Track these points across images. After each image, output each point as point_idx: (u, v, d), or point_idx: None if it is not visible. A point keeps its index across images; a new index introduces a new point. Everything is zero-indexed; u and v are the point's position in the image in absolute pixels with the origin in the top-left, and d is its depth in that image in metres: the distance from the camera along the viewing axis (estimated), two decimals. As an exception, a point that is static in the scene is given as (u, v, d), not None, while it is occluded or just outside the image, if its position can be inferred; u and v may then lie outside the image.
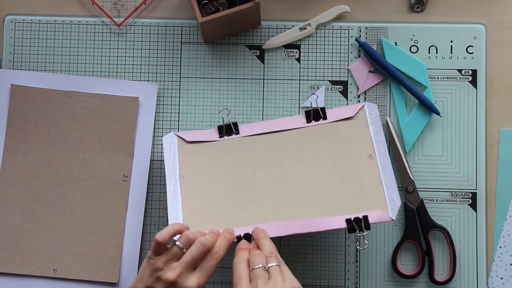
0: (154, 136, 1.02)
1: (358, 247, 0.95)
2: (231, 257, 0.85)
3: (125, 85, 1.02)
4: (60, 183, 1.00)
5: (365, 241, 0.92)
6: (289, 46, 1.03)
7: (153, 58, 1.03)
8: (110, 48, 1.04)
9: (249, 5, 0.96)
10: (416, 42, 1.03)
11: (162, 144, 0.98)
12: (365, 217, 0.89)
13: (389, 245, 1.00)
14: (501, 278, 1.00)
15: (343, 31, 1.03)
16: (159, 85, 1.03)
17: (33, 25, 1.04)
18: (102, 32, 1.04)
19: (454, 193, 1.01)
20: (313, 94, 1.01)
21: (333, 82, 1.03)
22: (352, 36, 1.03)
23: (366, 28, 1.03)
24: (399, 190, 0.98)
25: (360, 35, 1.03)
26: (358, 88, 1.02)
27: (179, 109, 1.03)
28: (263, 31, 1.03)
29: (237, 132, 0.97)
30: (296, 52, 1.03)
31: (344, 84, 1.03)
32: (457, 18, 1.04)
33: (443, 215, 1.00)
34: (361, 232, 0.89)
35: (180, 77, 1.03)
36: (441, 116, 1.02)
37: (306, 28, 1.03)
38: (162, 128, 1.02)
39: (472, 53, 1.02)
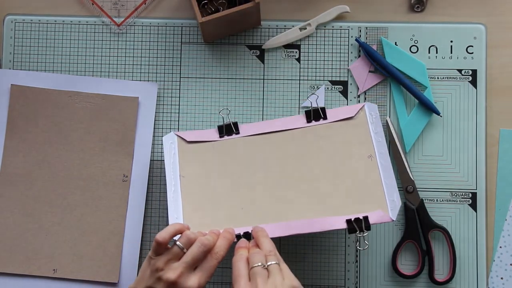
0: (154, 136, 1.02)
1: (358, 247, 0.95)
2: (231, 257, 0.85)
3: (125, 85, 1.02)
4: (60, 183, 1.00)
5: (365, 241, 0.92)
6: (289, 46, 1.03)
7: (153, 58, 1.03)
8: (110, 48, 1.04)
9: (249, 5, 0.96)
10: (416, 42, 1.03)
11: (162, 144, 0.98)
12: (365, 218, 0.89)
13: (389, 245, 1.00)
14: (501, 278, 1.00)
15: (343, 31, 1.03)
16: (159, 85, 1.03)
17: (33, 25, 1.04)
18: (102, 32, 1.04)
19: (454, 193, 1.01)
20: (313, 94, 1.01)
21: (333, 82, 1.03)
22: (352, 36, 1.03)
23: (366, 28, 1.03)
24: (399, 190, 0.98)
25: (360, 35, 1.03)
26: (358, 88, 1.02)
27: (179, 109, 1.03)
28: (263, 31, 1.03)
29: (237, 132, 0.97)
30: (296, 52, 1.03)
31: (344, 84, 1.03)
32: (457, 18, 1.04)
33: (443, 215, 1.00)
34: (361, 233, 0.89)
35: (180, 77, 1.03)
36: (441, 116, 1.02)
37: (306, 28, 1.03)
38: (162, 128, 1.02)
39: (472, 53, 1.02)
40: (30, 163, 1.00)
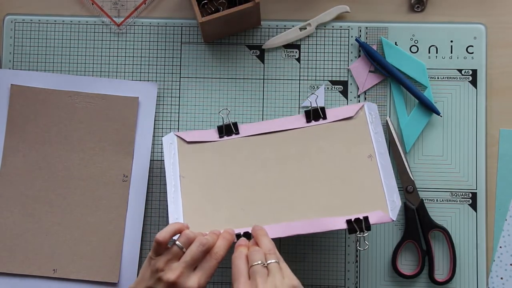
0: (154, 136, 1.02)
1: (358, 247, 0.94)
2: (231, 256, 0.85)
3: (125, 85, 1.02)
4: (60, 183, 1.00)
5: (366, 241, 0.92)
6: (289, 46, 1.03)
7: (153, 58, 1.03)
8: (110, 48, 1.04)
9: (249, 5, 0.96)
10: (416, 42, 1.03)
11: (162, 145, 0.98)
12: (366, 218, 0.89)
13: (389, 245, 1.00)
14: (501, 278, 1.00)
15: (343, 31, 1.03)
16: (159, 85, 1.03)
17: (33, 25, 1.04)
18: (102, 32, 1.04)
19: (454, 193, 1.01)
20: (312, 94, 1.01)
21: (333, 82, 1.03)
22: (352, 36, 1.03)
23: (366, 28, 1.03)
24: (399, 190, 0.98)
25: (360, 35, 1.03)
26: (358, 88, 1.02)
27: (179, 109, 1.03)
28: (263, 31, 1.03)
29: (237, 132, 0.97)
30: (296, 52, 1.03)
31: (344, 84, 1.03)
32: (457, 18, 1.04)
33: (443, 215, 1.00)
34: (361, 233, 0.89)
35: (180, 77, 1.03)
36: (441, 116, 1.02)
37: (306, 28, 1.03)
38: (162, 128, 1.02)
39: (472, 53, 1.02)
40: (30, 163, 1.00)
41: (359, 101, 1.02)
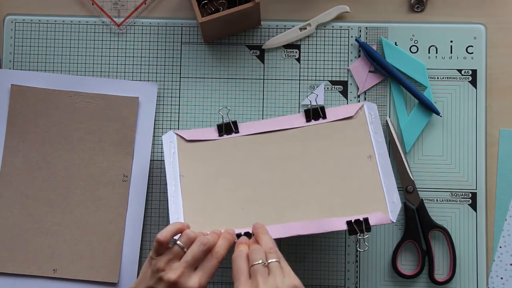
0: (154, 136, 1.02)
1: (358, 248, 0.94)
2: (231, 256, 0.85)
3: (125, 85, 1.02)
4: (60, 183, 1.00)
5: (366, 243, 0.92)
6: (289, 46, 1.03)
7: (153, 58, 1.03)
8: (110, 48, 1.04)
9: (249, 5, 0.96)
10: (416, 42, 1.03)
11: (162, 144, 0.98)
12: (366, 219, 0.89)
13: (389, 245, 1.00)
14: (501, 278, 1.00)
15: (343, 31, 1.03)
16: (159, 85, 1.03)
17: (33, 25, 1.04)
18: (102, 32, 1.04)
19: (454, 193, 1.01)
20: (312, 93, 1.01)
21: (333, 82, 1.03)
22: (352, 36, 1.03)
23: (366, 28, 1.03)
24: (399, 190, 0.98)
25: (360, 35, 1.03)
26: (358, 88, 1.02)
27: (179, 109, 1.03)
28: (263, 31, 1.03)
29: (237, 131, 0.97)
30: (296, 52, 1.03)
31: (344, 84, 1.03)
32: (457, 18, 1.04)
33: (443, 215, 1.00)
34: (362, 235, 0.89)
35: (180, 77, 1.03)
36: (441, 116, 1.02)
37: (306, 28, 1.03)
38: (162, 128, 1.02)
39: (472, 53, 1.02)
40: (30, 163, 1.00)
41: (359, 101, 1.02)
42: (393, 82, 1.02)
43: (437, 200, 1.01)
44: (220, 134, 0.97)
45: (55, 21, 1.04)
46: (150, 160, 1.01)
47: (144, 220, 1.00)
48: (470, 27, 1.03)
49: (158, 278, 0.83)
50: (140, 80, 1.03)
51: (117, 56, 1.03)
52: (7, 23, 1.04)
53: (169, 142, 0.96)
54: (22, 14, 1.04)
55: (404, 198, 1.00)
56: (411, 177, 1.00)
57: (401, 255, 1.00)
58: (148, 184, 1.01)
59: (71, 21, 1.04)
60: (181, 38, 1.04)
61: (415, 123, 1.01)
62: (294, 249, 1.00)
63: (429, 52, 1.03)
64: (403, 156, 1.00)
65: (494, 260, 1.00)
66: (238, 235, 0.89)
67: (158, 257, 0.85)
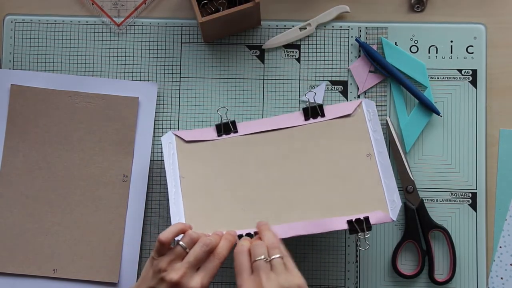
0: (154, 136, 1.02)
1: (359, 247, 0.94)
2: (232, 257, 0.85)
3: (125, 85, 1.02)
4: (60, 183, 1.00)
5: (366, 242, 0.92)
6: (289, 46, 1.03)
7: (153, 58, 1.03)
8: (110, 48, 1.04)
9: (249, 5, 0.96)
10: (416, 42, 1.03)
11: (161, 144, 0.98)
12: (366, 218, 0.89)
13: (389, 245, 1.00)
14: (501, 278, 1.00)
15: (343, 31, 1.03)
16: (159, 85, 1.03)
17: (33, 25, 1.04)
18: (102, 32, 1.04)
19: (454, 193, 1.01)
20: (310, 91, 1.01)
21: (333, 82, 1.03)
22: (352, 36, 1.03)
23: (366, 28, 1.03)
24: (399, 190, 0.98)
25: (360, 35, 1.03)
26: (358, 88, 1.02)
27: (179, 109, 1.03)
28: (263, 31, 1.03)
29: (236, 131, 0.96)
30: (296, 52, 1.03)
31: (344, 84, 1.03)
32: (457, 18, 1.04)
33: (443, 215, 1.00)
34: (362, 234, 0.88)
35: (180, 77, 1.03)
36: (441, 116, 1.01)
37: (306, 28, 1.03)
38: (162, 128, 1.02)
39: (472, 53, 1.02)
40: (30, 163, 1.00)
41: (359, 101, 1.02)
42: (393, 82, 1.02)
43: (437, 200, 1.01)
44: (219, 134, 0.96)
45: (55, 21, 1.04)
46: (150, 160, 1.01)
47: (144, 220, 1.00)
48: (470, 27, 1.03)
49: (160, 278, 0.83)
50: (140, 80, 1.03)
51: (117, 56, 1.03)
52: (7, 23, 1.04)
53: (168, 143, 0.96)
54: (22, 14, 1.04)
55: (404, 198, 1.00)
56: (411, 177, 1.00)
57: (401, 255, 1.00)
58: (148, 184, 1.01)
59: (71, 21, 1.04)
60: (181, 38, 1.04)
61: (415, 123, 1.01)
62: (294, 249, 1.00)
63: (429, 52, 1.03)
64: (403, 156, 1.00)
65: (494, 260, 1.00)
66: (240, 236, 0.89)
67: (159, 258, 0.84)
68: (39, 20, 1.04)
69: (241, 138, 0.96)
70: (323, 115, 0.96)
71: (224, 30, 1.02)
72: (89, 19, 1.04)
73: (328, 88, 1.02)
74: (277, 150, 0.95)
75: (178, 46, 1.04)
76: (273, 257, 0.82)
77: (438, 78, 1.02)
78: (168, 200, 0.94)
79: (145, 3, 1.04)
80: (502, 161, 1.01)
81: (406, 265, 1.00)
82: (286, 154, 0.95)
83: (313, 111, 0.96)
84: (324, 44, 1.03)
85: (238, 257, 0.83)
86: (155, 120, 1.02)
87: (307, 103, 0.97)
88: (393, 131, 1.00)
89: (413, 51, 1.03)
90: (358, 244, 0.98)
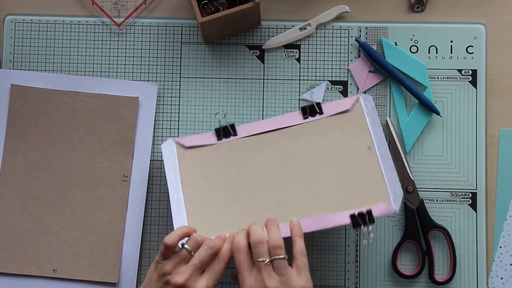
0: (154, 136, 1.02)
1: (363, 241, 0.93)
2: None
3: (125, 85, 1.02)
4: (60, 183, 1.00)
5: (371, 233, 0.91)
6: (289, 46, 1.03)
7: (153, 58, 1.03)
8: (110, 48, 1.04)
9: (249, 5, 0.96)
10: (416, 42, 1.03)
11: (161, 152, 0.97)
12: (369, 211, 0.89)
13: (389, 245, 1.00)
14: (501, 278, 1.00)
15: (343, 31, 1.03)
16: (159, 85, 1.03)
17: (33, 25, 1.04)
18: (102, 32, 1.04)
19: (454, 193, 1.01)
20: (308, 90, 1.01)
21: (333, 82, 1.03)
22: (352, 36, 1.03)
23: (366, 28, 1.03)
24: (399, 190, 0.98)
25: (360, 35, 1.03)
26: (358, 88, 1.02)
27: (179, 109, 1.03)
28: (263, 31, 1.03)
29: (235, 134, 0.96)
30: (296, 52, 1.03)
31: (344, 84, 1.03)
32: (457, 18, 1.04)
33: (443, 215, 1.00)
34: (366, 226, 0.88)
35: (180, 77, 1.03)
36: (441, 116, 1.02)
37: (306, 28, 1.03)
38: (162, 128, 1.02)
39: (472, 53, 1.02)
40: (30, 163, 1.00)
41: (359, 101, 1.02)
42: (393, 82, 1.02)
43: (437, 200, 1.01)
44: (219, 138, 0.96)
45: (55, 21, 1.04)
46: (150, 160, 1.01)
47: (144, 220, 1.00)
48: (470, 27, 1.03)
49: (165, 281, 0.83)
50: (140, 80, 1.03)
51: (117, 56, 1.03)
52: (7, 23, 1.04)
53: (169, 150, 0.95)
54: (22, 14, 1.04)
55: (404, 198, 1.00)
56: (411, 177, 1.00)
57: (401, 255, 1.00)
58: (148, 184, 1.01)
59: (71, 21, 1.04)
60: (181, 38, 1.04)
61: (415, 123, 1.01)
62: (294, 249, 1.00)
63: (429, 52, 1.03)
64: (403, 156, 1.00)
65: (494, 260, 1.00)
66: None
67: (164, 261, 0.84)
68: (39, 20, 1.04)
69: (241, 141, 0.96)
70: (321, 113, 0.96)
71: (224, 30, 1.02)
72: (89, 19, 1.04)
73: (328, 88, 1.03)
74: (277, 150, 0.95)
75: (178, 46, 1.04)
76: (275, 257, 0.82)
77: (438, 78, 1.02)
78: (169, 207, 0.93)
79: (145, 3, 1.04)
80: (502, 161, 1.01)
81: (406, 265, 1.00)
82: (286, 153, 0.95)
83: (311, 109, 0.96)
84: (324, 44, 1.03)
85: (235, 255, 0.83)
86: (155, 120, 1.02)
87: (308, 102, 0.97)
88: (393, 131, 1.00)
89: (413, 51, 1.03)
90: (363, 239, 0.98)
